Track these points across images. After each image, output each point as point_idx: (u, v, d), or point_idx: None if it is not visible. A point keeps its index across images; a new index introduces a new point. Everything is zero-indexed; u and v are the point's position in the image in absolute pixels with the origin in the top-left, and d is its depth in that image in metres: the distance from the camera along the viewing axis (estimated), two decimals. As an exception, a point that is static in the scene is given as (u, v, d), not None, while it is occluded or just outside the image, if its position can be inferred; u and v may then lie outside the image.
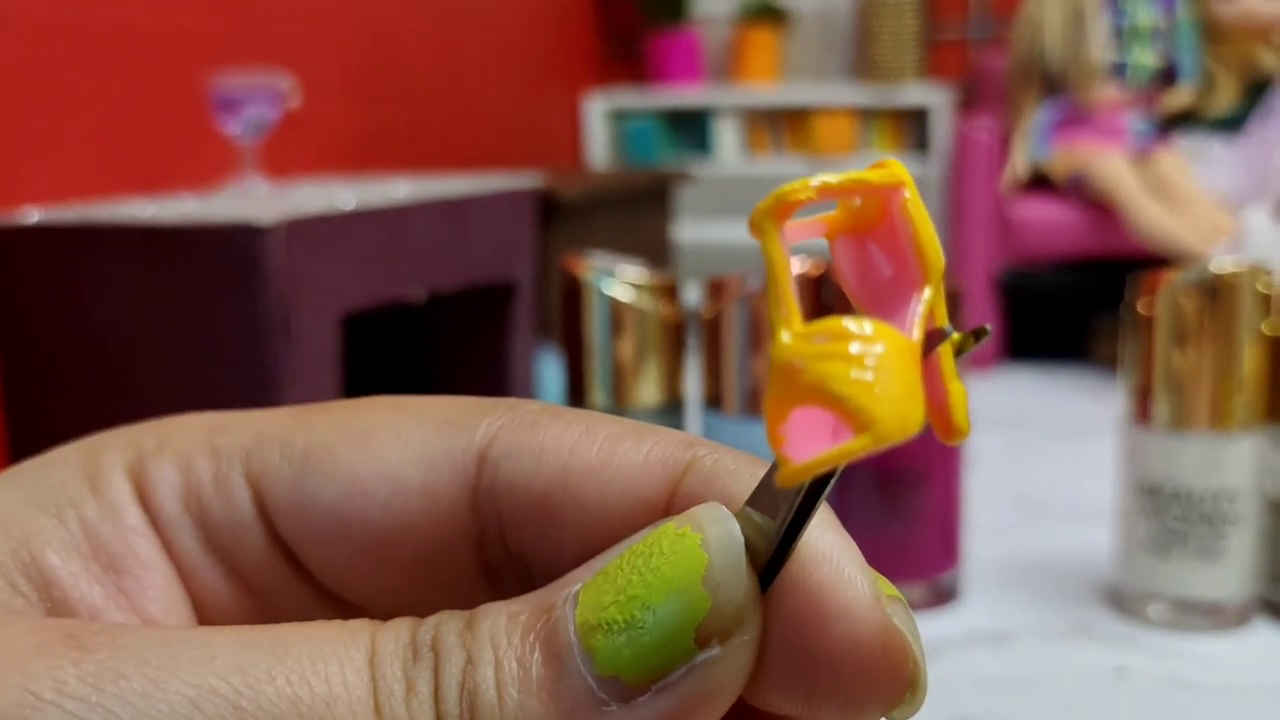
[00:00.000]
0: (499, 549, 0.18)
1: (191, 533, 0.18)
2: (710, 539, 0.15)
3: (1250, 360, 0.57)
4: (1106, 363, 1.48)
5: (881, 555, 0.61)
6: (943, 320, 0.14)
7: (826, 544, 0.16)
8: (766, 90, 2.23)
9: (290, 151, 1.25)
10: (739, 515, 0.15)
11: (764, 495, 0.15)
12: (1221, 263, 0.57)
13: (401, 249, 0.79)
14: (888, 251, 0.15)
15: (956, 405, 0.14)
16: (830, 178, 0.14)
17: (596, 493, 0.17)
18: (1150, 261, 1.49)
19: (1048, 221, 1.59)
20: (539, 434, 0.17)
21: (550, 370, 1.03)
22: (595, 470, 0.17)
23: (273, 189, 0.95)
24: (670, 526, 0.15)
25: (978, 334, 0.15)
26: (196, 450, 0.18)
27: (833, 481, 0.15)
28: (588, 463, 0.17)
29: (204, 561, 0.18)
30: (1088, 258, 1.59)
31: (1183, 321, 0.57)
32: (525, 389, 0.93)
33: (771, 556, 0.15)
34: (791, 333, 0.14)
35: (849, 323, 0.14)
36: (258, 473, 0.18)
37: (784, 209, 0.14)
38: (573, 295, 0.66)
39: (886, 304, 0.15)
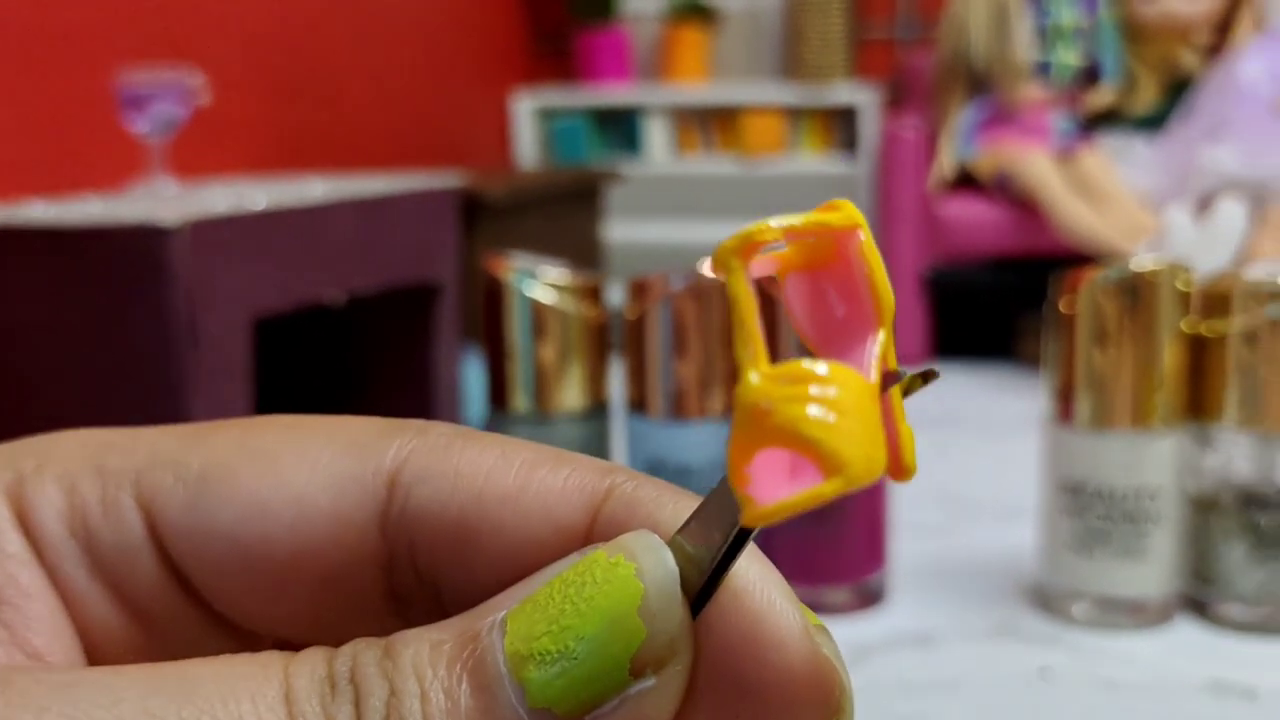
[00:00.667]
0: (408, 575, 0.17)
1: (77, 559, 0.17)
2: (645, 568, 0.15)
3: (1170, 358, 0.58)
4: (1032, 361, 1.50)
5: (808, 559, 0.61)
6: (893, 362, 0.15)
7: (755, 575, 0.16)
8: (696, 89, 2.23)
9: (203, 151, 1.22)
10: (670, 544, 0.15)
11: (696, 525, 0.16)
12: (1142, 261, 0.58)
13: (316, 250, 0.77)
14: (840, 291, 0.15)
15: (906, 446, 0.15)
16: (794, 220, 0.15)
17: (514, 519, 0.17)
18: (1076, 260, 1.52)
19: (974, 220, 1.61)
20: (453, 458, 0.17)
21: (475, 374, 1.02)
22: (513, 496, 0.17)
23: (182, 189, 0.92)
24: (601, 554, 0.15)
25: (925, 376, 0.15)
26: (82, 471, 0.18)
27: None
28: (505, 488, 0.17)
29: (91, 590, 0.18)
30: (1014, 256, 1.62)
31: (1103, 320, 0.58)
32: (449, 393, 0.92)
33: (703, 586, 0.15)
34: (760, 373, 0.14)
35: (813, 365, 0.14)
36: (149, 495, 0.17)
37: (750, 248, 0.14)
38: (494, 297, 0.65)
39: (838, 343, 0.15)
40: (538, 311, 0.64)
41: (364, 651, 0.15)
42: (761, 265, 0.15)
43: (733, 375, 0.63)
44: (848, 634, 0.58)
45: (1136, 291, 0.57)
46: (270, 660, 0.15)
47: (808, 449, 0.14)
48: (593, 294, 0.66)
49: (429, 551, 0.17)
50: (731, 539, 0.15)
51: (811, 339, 0.15)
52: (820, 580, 0.61)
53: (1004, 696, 0.52)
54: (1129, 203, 1.47)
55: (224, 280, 0.69)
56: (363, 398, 0.94)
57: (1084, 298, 0.58)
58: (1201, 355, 0.59)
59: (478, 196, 1.06)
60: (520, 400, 0.65)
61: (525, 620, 0.15)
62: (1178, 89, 1.64)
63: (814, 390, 0.14)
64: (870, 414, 0.14)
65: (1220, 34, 1.64)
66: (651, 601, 0.15)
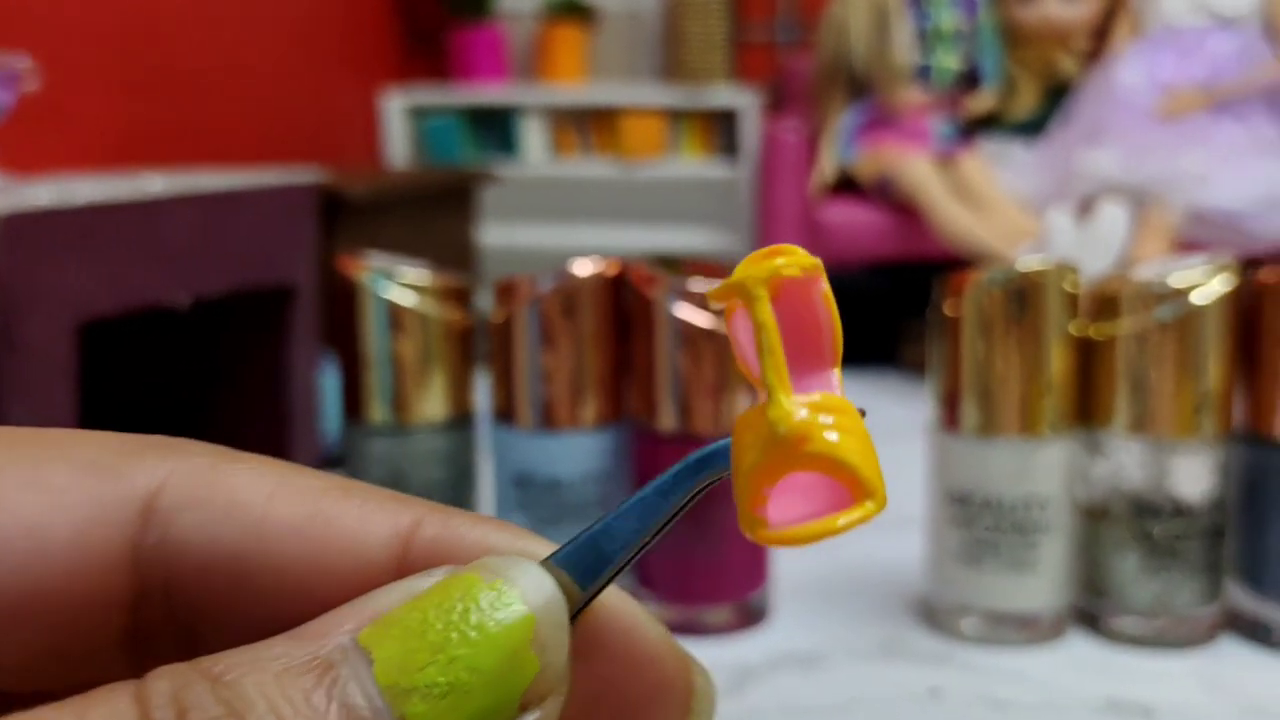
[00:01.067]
0: (156, 613, 0.16)
1: None
2: (531, 596, 0.15)
3: (1059, 362, 0.56)
4: (915, 367, 1.50)
5: (688, 577, 0.58)
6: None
7: (613, 596, 0.16)
8: (573, 89, 2.20)
9: (39, 144, 1.14)
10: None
11: (574, 550, 0.16)
12: (1028, 261, 0.57)
13: (153, 249, 0.71)
14: (792, 330, 0.16)
15: None
16: (805, 258, 0.15)
17: (305, 552, 0.16)
18: (958, 264, 1.53)
19: (856, 224, 1.61)
20: (224, 482, 0.16)
21: (335, 385, 0.96)
22: (302, 527, 0.16)
23: (8, 183, 0.85)
24: (474, 579, 0.15)
25: (861, 413, 0.16)
26: None
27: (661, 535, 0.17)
28: (291, 518, 0.16)
29: None
30: (895, 260, 1.62)
31: (989, 323, 0.56)
32: (305, 404, 0.86)
33: (575, 612, 0.16)
34: (793, 400, 0.15)
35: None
36: None
37: (777, 282, 0.15)
38: (347, 299, 0.61)
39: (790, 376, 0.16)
40: (395, 314, 0.60)
41: (187, 686, 0.13)
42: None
43: (634, 389, 0.60)
44: (729, 656, 0.55)
45: (1023, 293, 0.56)
46: (70, 706, 0.13)
47: (846, 475, 0.15)
48: (457, 296, 0.61)
49: (191, 587, 0.16)
50: (629, 560, 0.16)
51: (755, 373, 0.16)
52: (700, 600, 0.58)
53: (894, 718, 0.49)
54: (1009, 207, 1.48)
55: (45, 280, 0.63)
56: (211, 409, 0.88)
57: (969, 300, 0.57)
58: (1090, 359, 0.57)
59: (339, 195, 1.00)
60: (377, 410, 0.61)
61: (398, 647, 0.14)
62: (1056, 94, 1.66)
63: (846, 421, 0.15)
64: (871, 445, 0.15)
65: (1098, 39, 1.67)
66: (543, 633, 0.15)
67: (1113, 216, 1.38)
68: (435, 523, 0.16)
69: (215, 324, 0.86)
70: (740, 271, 0.16)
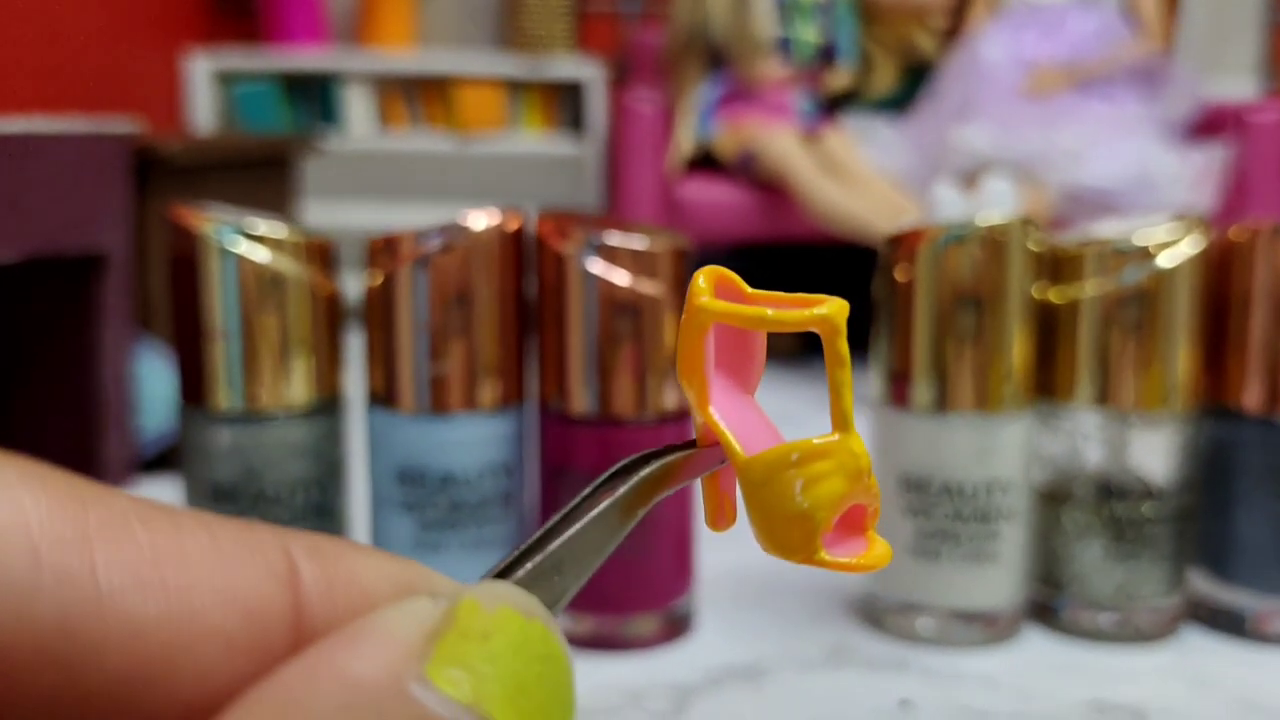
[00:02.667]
0: None
1: None
2: (566, 650, 0.14)
3: (1022, 328, 0.52)
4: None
5: (605, 584, 0.51)
6: None
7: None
8: (401, 56, 2.10)
9: None
10: None
11: (539, 574, 0.15)
12: (987, 217, 0.52)
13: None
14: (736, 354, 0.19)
15: None
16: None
17: (164, 609, 0.12)
18: (823, 246, 1.51)
19: (716, 203, 1.57)
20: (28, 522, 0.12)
21: (154, 372, 0.86)
22: (153, 584, 0.12)
23: None
24: (513, 614, 0.13)
25: None
26: None
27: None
28: (138, 576, 0.12)
29: None
30: (757, 242, 1.59)
31: (946, 286, 0.52)
32: (118, 392, 0.76)
33: None
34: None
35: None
36: None
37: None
38: (185, 259, 0.52)
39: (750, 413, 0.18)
40: (247, 275, 0.52)
41: None
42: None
43: (537, 371, 0.53)
44: (662, 674, 0.49)
45: (983, 252, 0.51)
46: None
47: (878, 507, 0.18)
48: (320, 255, 0.53)
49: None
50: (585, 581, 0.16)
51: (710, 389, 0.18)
52: (621, 609, 0.52)
53: (864, 742, 0.44)
54: (880, 183, 1.47)
55: None
56: (3, 399, 0.76)
57: (923, 262, 0.52)
58: (1050, 326, 0.54)
59: (152, 152, 0.90)
60: (224, 394, 0.52)
61: (509, 708, 0.12)
62: (915, 72, 1.66)
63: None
64: None
65: (955, 17, 1.68)
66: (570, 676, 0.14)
67: (998, 189, 1.39)
68: (309, 557, 0.14)
69: (9, 297, 0.75)
70: (835, 304, 0.17)
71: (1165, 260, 0.52)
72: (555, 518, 0.16)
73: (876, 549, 0.17)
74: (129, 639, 0.12)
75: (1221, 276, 0.54)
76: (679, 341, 0.17)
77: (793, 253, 1.55)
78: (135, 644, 0.12)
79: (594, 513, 0.16)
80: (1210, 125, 1.61)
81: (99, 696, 0.12)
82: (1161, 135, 1.52)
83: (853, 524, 0.17)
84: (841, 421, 0.17)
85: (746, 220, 1.56)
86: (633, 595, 0.52)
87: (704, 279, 0.17)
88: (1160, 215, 0.56)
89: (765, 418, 0.18)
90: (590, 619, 0.52)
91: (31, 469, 0.12)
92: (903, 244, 0.53)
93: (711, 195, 1.58)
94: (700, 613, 0.55)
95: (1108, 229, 0.55)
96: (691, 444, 0.18)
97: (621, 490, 0.17)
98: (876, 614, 0.55)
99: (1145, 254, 0.52)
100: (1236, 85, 2.27)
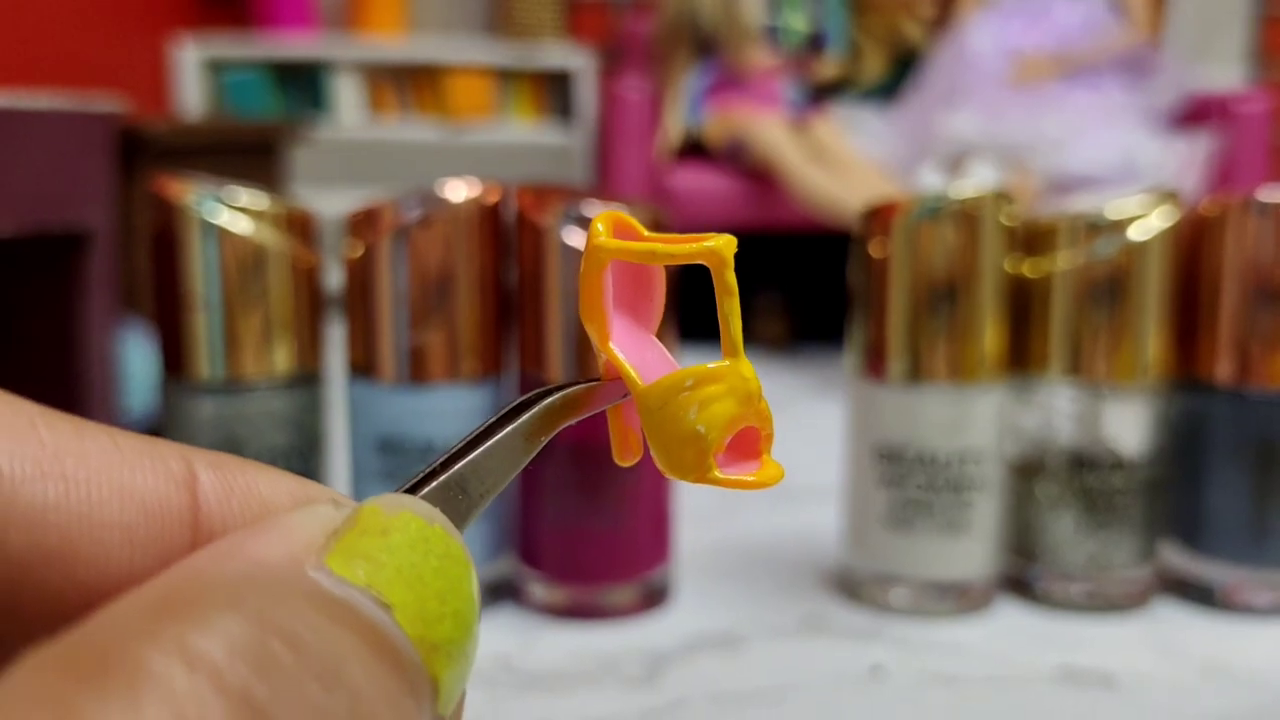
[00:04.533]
0: None
1: None
2: (467, 552, 0.14)
3: (996, 300, 0.53)
4: (770, 342, 1.48)
5: (582, 554, 0.52)
6: None
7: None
8: (391, 44, 2.10)
9: None
10: None
11: (443, 491, 0.16)
12: (961, 188, 0.53)
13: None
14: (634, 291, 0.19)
15: None
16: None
17: (63, 509, 0.13)
18: (811, 232, 1.51)
19: (705, 191, 1.58)
20: None
21: (139, 350, 0.86)
22: (53, 476, 0.13)
23: None
24: (414, 518, 0.14)
25: None
26: None
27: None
28: (39, 467, 0.13)
29: None
30: (746, 229, 1.59)
31: (920, 260, 0.52)
32: (103, 368, 0.76)
33: None
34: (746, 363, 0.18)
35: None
36: None
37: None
38: (167, 230, 0.53)
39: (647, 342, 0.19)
40: (229, 246, 0.52)
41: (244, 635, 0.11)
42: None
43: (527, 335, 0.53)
44: (637, 641, 0.50)
45: (958, 226, 0.52)
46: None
47: (769, 431, 0.18)
48: (302, 226, 0.54)
49: None
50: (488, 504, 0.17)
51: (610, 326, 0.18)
52: (598, 579, 0.52)
53: (834, 700, 0.45)
54: (868, 170, 1.48)
55: None
56: (-15, 378, 0.77)
57: (898, 235, 0.53)
58: (1024, 299, 0.54)
59: (137, 133, 0.90)
60: (205, 364, 0.53)
61: (407, 592, 0.13)
62: (903, 61, 1.67)
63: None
64: None
65: (943, 7, 1.69)
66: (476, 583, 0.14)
67: (983, 175, 1.39)
68: (209, 469, 0.15)
69: (-10, 275, 0.76)
70: (724, 237, 0.17)
71: (1137, 234, 0.53)
72: (460, 442, 0.17)
73: (769, 469, 0.18)
74: (30, 523, 0.13)
75: (1193, 250, 0.55)
76: (580, 281, 0.18)
77: (781, 239, 1.56)
78: (35, 528, 0.13)
79: (497, 437, 0.17)
80: (1197, 114, 1.62)
81: (2, 573, 0.13)
82: (1147, 124, 1.53)
83: (747, 447, 0.18)
84: (731, 348, 0.17)
85: (735, 207, 1.56)
86: (611, 566, 0.52)
87: (602, 222, 0.18)
88: (1134, 190, 0.56)
89: (665, 354, 0.19)
90: (569, 589, 0.52)
91: None
92: (877, 219, 0.53)
93: (700, 182, 1.58)
94: (679, 584, 0.56)
95: (1082, 204, 0.55)
96: (597, 380, 0.19)
97: (524, 417, 0.18)
98: (852, 585, 0.55)
99: (1117, 227, 0.53)
100: (1225, 74, 2.28)
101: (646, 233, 0.18)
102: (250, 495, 0.15)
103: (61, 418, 0.14)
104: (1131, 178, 1.41)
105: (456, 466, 0.16)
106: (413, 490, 0.16)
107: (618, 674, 0.47)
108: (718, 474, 0.17)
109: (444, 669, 0.13)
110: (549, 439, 0.18)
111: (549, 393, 0.18)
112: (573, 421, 0.18)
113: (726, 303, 0.17)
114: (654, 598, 0.54)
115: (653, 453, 0.18)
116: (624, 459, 0.19)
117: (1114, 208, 0.53)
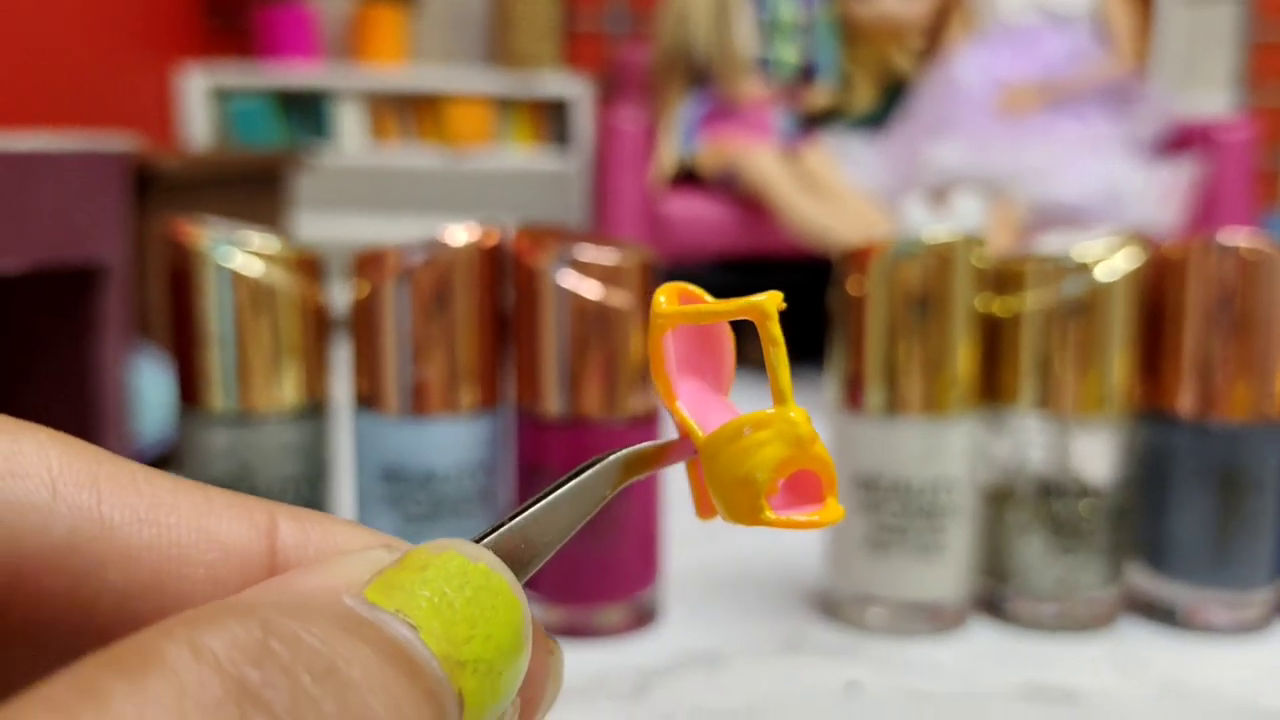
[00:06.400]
0: None
1: None
2: (512, 584, 0.15)
3: (967, 338, 0.55)
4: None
5: (576, 576, 0.55)
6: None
7: None
8: (393, 73, 2.13)
9: None
10: None
11: (506, 540, 0.17)
12: (934, 233, 0.56)
13: (-58, 215, 0.64)
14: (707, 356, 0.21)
15: None
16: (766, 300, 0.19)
17: (155, 547, 0.15)
18: (802, 260, 1.54)
19: (698, 218, 1.61)
20: (40, 470, 0.15)
21: (152, 379, 0.89)
22: (146, 518, 0.15)
23: None
24: (459, 556, 0.15)
25: None
26: None
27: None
28: (128, 509, 0.15)
29: None
30: (739, 256, 1.62)
31: (896, 298, 0.55)
32: (117, 399, 0.79)
33: None
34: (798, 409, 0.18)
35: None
36: None
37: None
38: (182, 272, 0.55)
39: (711, 398, 0.20)
40: (241, 288, 0.55)
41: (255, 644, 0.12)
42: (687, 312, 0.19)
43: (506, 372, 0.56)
44: (627, 659, 0.52)
45: (930, 267, 0.55)
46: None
47: (831, 474, 0.19)
48: (310, 268, 0.57)
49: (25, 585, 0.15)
50: (553, 554, 0.18)
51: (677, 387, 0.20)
52: (590, 599, 0.55)
53: (815, 718, 0.47)
54: (856, 200, 1.51)
55: None
56: (3, 406, 0.79)
57: (874, 275, 0.55)
58: (994, 335, 0.57)
59: (151, 168, 0.93)
60: (218, 397, 0.56)
61: (434, 617, 0.14)
62: (893, 91, 1.70)
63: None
64: None
65: (931, 38, 1.72)
66: (527, 621, 0.15)
67: (966, 206, 1.42)
68: (290, 519, 0.17)
69: (10, 308, 0.78)
70: (770, 295, 0.19)
71: (1103, 274, 0.56)
72: (534, 498, 0.18)
73: (829, 511, 0.19)
74: (126, 561, 0.15)
75: (1157, 289, 0.58)
76: (647, 347, 0.19)
77: (773, 266, 1.59)
78: (130, 565, 0.15)
79: (559, 491, 0.18)
80: (1181, 142, 1.65)
81: (102, 603, 0.15)
82: (1131, 153, 1.56)
83: (809, 490, 0.19)
84: (779, 395, 0.18)
85: (727, 234, 1.59)
86: (601, 587, 0.55)
87: (665, 294, 0.19)
88: (1106, 231, 0.59)
89: (734, 410, 0.20)
90: (562, 609, 0.55)
91: (57, 432, 0.16)
92: (855, 259, 0.56)
93: (694, 210, 1.61)
94: (667, 604, 0.59)
95: (1050, 245, 0.58)
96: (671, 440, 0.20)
97: (589, 472, 0.18)
98: (832, 606, 0.58)
99: (1084, 268, 0.56)
100: (1212, 100, 2.32)
101: (708, 298, 0.20)
102: (326, 543, 0.17)
103: (160, 475, 0.16)
104: (1115, 207, 1.44)
105: (520, 518, 0.17)
106: (482, 538, 0.17)
107: (608, 690, 0.49)
108: (770, 515, 0.18)
109: (472, 683, 0.14)
110: (616, 492, 0.19)
111: (616, 451, 0.19)
112: (641, 476, 0.19)
113: (773, 353, 0.18)
114: (643, 617, 0.56)
115: (714, 500, 0.19)
116: (702, 514, 0.20)
117: (1080, 249, 0.56)
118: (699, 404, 0.20)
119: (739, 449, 0.18)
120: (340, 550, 0.16)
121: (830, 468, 0.19)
